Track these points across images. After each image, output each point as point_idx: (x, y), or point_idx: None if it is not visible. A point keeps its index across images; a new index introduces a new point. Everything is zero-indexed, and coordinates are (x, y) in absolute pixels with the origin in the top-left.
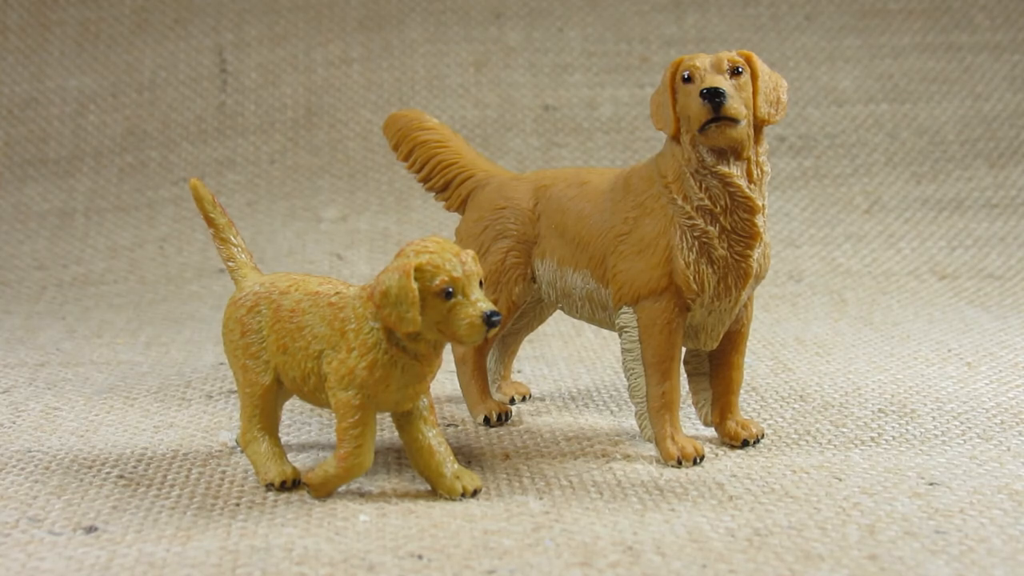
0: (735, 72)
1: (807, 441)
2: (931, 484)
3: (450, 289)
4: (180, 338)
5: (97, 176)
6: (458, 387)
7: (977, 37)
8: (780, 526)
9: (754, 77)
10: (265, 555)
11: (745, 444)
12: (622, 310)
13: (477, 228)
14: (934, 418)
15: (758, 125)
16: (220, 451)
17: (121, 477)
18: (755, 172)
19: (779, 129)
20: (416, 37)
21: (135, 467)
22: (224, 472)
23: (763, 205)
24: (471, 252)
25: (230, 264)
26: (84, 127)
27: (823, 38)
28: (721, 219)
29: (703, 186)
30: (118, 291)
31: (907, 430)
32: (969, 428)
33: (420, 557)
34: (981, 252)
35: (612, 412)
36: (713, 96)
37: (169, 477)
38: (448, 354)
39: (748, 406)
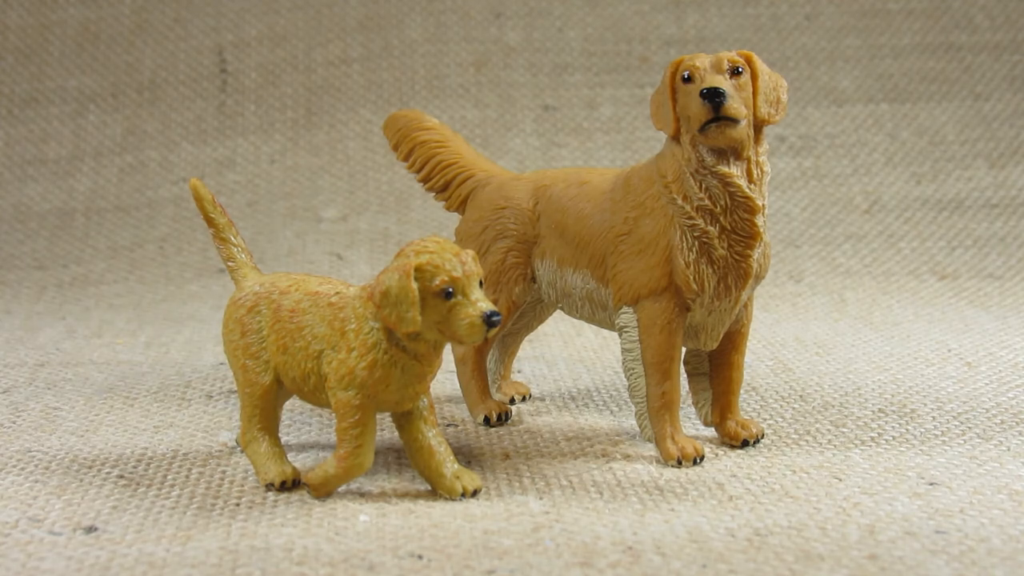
0: (735, 72)
1: (807, 441)
2: (931, 484)
3: (450, 289)
4: (180, 338)
5: (97, 176)
6: (458, 387)
7: (977, 37)
8: (780, 526)
9: (754, 77)
10: (265, 555)
11: (745, 444)
12: (622, 310)
13: (477, 228)
14: (934, 418)
15: (758, 125)
16: (220, 451)
17: (121, 477)
18: (755, 172)
19: (779, 129)
20: (416, 37)
21: (135, 467)
22: (224, 472)
23: (763, 205)
24: (471, 252)
25: (230, 264)
26: (84, 127)
27: (823, 38)
28: (721, 219)
29: (703, 186)
30: (118, 291)
31: (907, 430)
32: (969, 428)
33: (420, 557)
34: (981, 252)
35: (612, 412)
36: (713, 96)
37: (169, 477)
38: (448, 354)
39: (748, 406)
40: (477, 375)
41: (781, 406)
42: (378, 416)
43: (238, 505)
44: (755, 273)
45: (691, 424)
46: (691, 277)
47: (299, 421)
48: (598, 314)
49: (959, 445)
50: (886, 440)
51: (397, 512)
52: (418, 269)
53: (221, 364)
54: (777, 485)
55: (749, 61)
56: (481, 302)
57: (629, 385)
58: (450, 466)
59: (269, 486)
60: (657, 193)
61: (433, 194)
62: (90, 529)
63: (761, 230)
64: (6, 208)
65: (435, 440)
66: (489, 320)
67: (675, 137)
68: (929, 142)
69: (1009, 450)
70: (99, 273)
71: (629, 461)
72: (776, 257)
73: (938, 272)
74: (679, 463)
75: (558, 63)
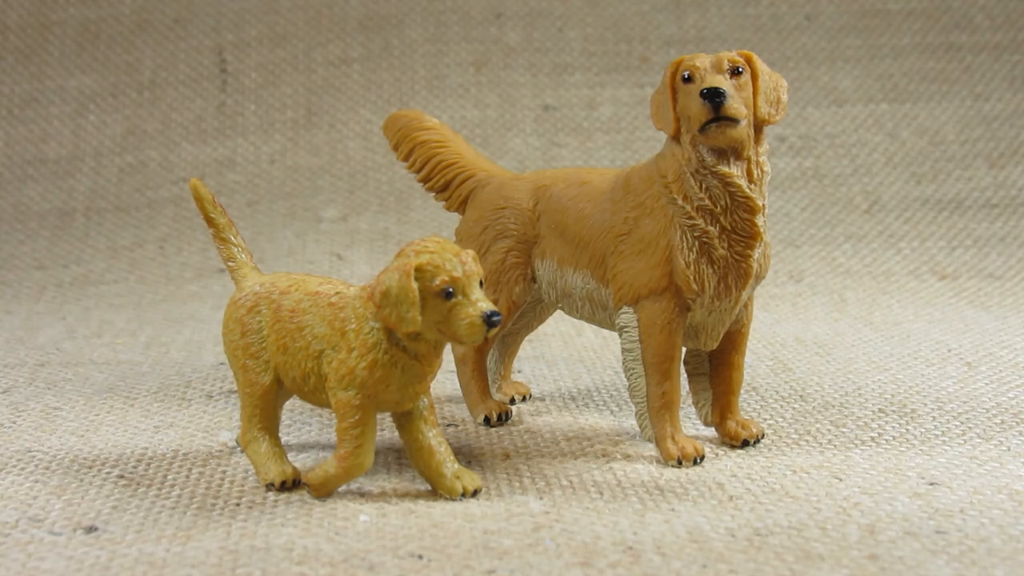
0: (735, 72)
1: (807, 441)
2: (931, 484)
3: (450, 289)
4: (180, 338)
5: (97, 176)
6: (458, 387)
7: (977, 37)
8: (780, 526)
9: (754, 77)
10: (265, 555)
11: (745, 444)
12: (622, 310)
13: (477, 228)
14: (934, 418)
15: (758, 125)
16: (220, 451)
17: (121, 477)
18: (755, 172)
19: (779, 129)
20: (416, 37)
21: (135, 467)
22: (224, 472)
23: (763, 205)
24: (471, 252)
25: (230, 264)
26: (84, 127)
27: (823, 38)
28: (721, 219)
29: (703, 186)
30: (118, 291)
31: (907, 430)
32: (969, 428)
33: (420, 557)
34: (981, 252)
35: (612, 412)
36: (713, 96)
37: (169, 477)
38: (448, 354)
39: (748, 406)
40: (477, 375)
41: (781, 406)
42: (378, 416)
43: (238, 505)
44: (755, 273)
45: (691, 424)
46: (691, 277)
47: (299, 421)
48: (598, 314)
49: (959, 445)
50: (886, 440)
51: (397, 512)
52: (418, 269)
53: (221, 364)
54: (777, 485)
55: (749, 61)
56: (481, 302)
57: (629, 385)
58: (450, 466)
59: (269, 486)
60: (657, 193)
61: (433, 194)
62: (90, 529)
63: (761, 230)
64: (6, 208)
65: (435, 440)
66: (489, 320)
67: (675, 137)
68: (929, 142)
69: (1009, 450)
70: (99, 273)
71: (629, 461)
72: (776, 257)
73: (938, 272)
74: (679, 463)
75: (558, 63)
